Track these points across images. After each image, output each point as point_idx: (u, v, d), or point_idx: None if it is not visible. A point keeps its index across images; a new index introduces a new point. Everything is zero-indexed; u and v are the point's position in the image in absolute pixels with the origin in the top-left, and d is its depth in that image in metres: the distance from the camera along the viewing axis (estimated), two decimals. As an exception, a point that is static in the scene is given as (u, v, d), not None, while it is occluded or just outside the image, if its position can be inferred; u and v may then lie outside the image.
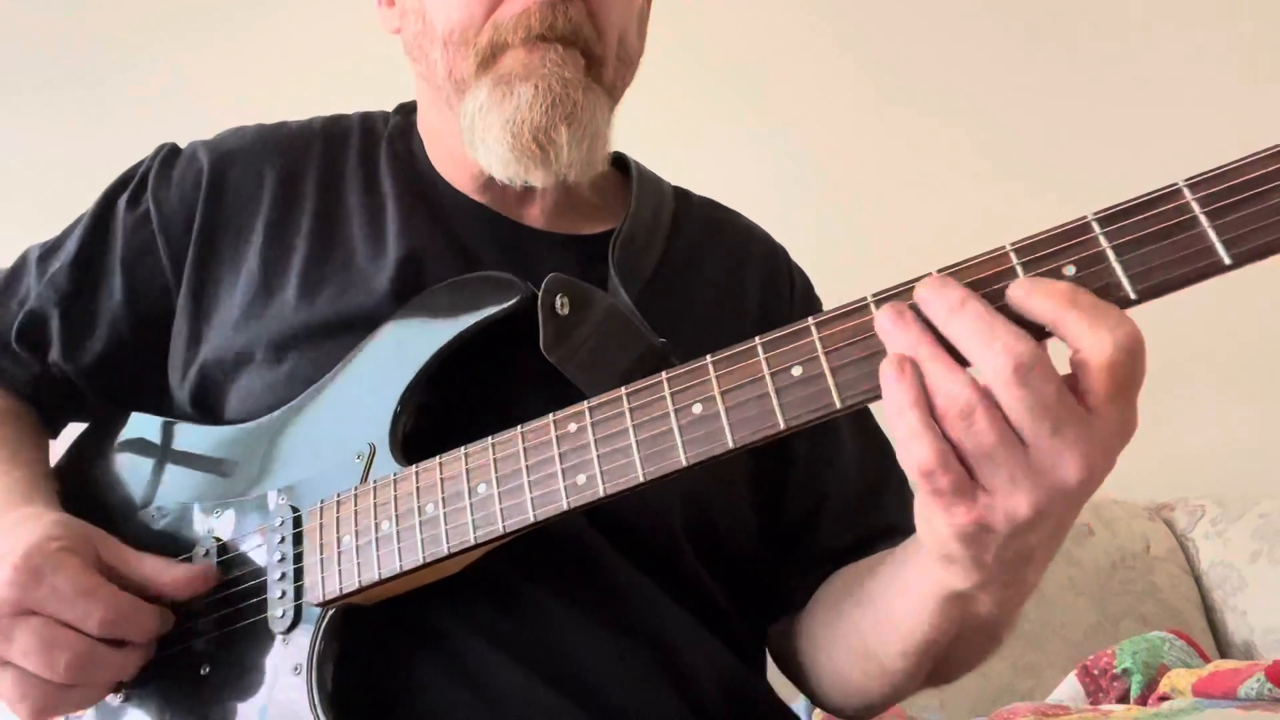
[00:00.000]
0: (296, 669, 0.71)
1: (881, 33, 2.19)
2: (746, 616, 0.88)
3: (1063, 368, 0.52)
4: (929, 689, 0.80)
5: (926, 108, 2.15)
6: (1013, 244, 0.55)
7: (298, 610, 0.73)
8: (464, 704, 0.72)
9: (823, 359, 0.58)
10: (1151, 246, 0.52)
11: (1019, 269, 0.54)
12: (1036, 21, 2.22)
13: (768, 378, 0.60)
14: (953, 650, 0.71)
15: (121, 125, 1.81)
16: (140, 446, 0.87)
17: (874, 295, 0.58)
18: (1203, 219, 0.51)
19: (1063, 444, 0.51)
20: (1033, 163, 2.12)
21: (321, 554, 0.73)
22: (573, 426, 0.66)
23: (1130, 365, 0.50)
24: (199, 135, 0.97)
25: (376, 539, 0.71)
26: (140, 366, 0.91)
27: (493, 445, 0.69)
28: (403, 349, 0.78)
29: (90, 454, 0.91)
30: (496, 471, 0.68)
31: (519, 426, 0.69)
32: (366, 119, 0.99)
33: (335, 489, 0.75)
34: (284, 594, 0.74)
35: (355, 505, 0.73)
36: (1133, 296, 0.52)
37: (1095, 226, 0.53)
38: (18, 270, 0.95)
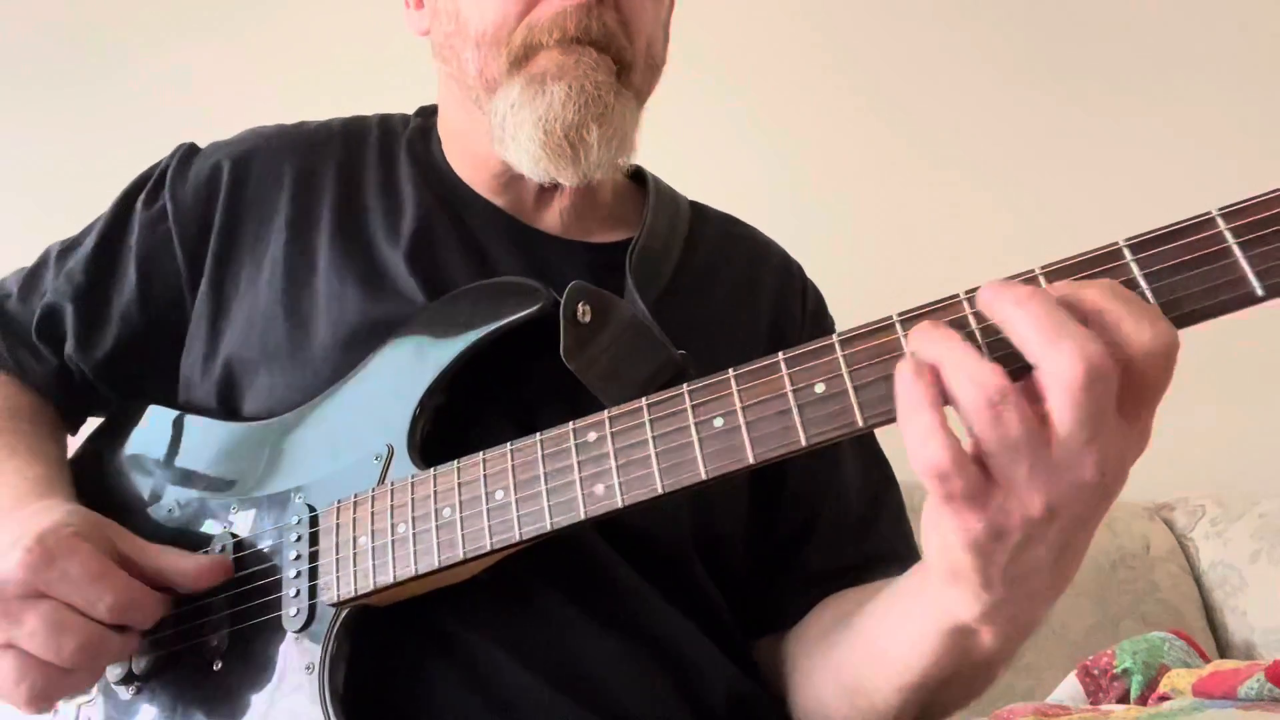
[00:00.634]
0: (309, 668, 0.72)
1: (886, 38, 2.18)
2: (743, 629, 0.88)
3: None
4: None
5: (933, 116, 2.14)
6: (1042, 268, 0.54)
7: (312, 609, 0.73)
8: (474, 707, 0.72)
9: (846, 377, 0.58)
10: (1183, 275, 0.51)
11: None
12: (1046, 27, 2.21)
13: (790, 394, 0.59)
14: (947, 688, 0.68)
15: (136, 124, 1.80)
16: (158, 440, 0.88)
17: (899, 315, 0.57)
18: (1236, 249, 0.50)
19: (1092, 447, 0.49)
20: (1042, 177, 2.11)
21: (337, 554, 0.73)
22: (592, 435, 0.66)
23: (1166, 364, 0.50)
24: (212, 134, 0.98)
25: (393, 541, 0.71)
26: (151, 362, 0.91)
27: (511, 452, 0.69)
28: (423, 352, 0.78)
29: (107, 447, 0.91)
30: (515, 478, 0.68)
31: (538, 434, 0.69)
32: (385, 120, 0.99)
33: (353, 489, 0.75)
34: (298, 592, 0.74)
35: (372, 506, 0.73)
36: (1163, 324, 0.52)
37: (1127, 253, 0.53)
38: (39, 267, 0.96)
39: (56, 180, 1.76)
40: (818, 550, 0.88)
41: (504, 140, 0.84)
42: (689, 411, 0.63)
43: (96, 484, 0.87)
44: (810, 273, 1.04)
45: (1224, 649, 1.67)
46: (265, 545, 0.78)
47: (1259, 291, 0.50)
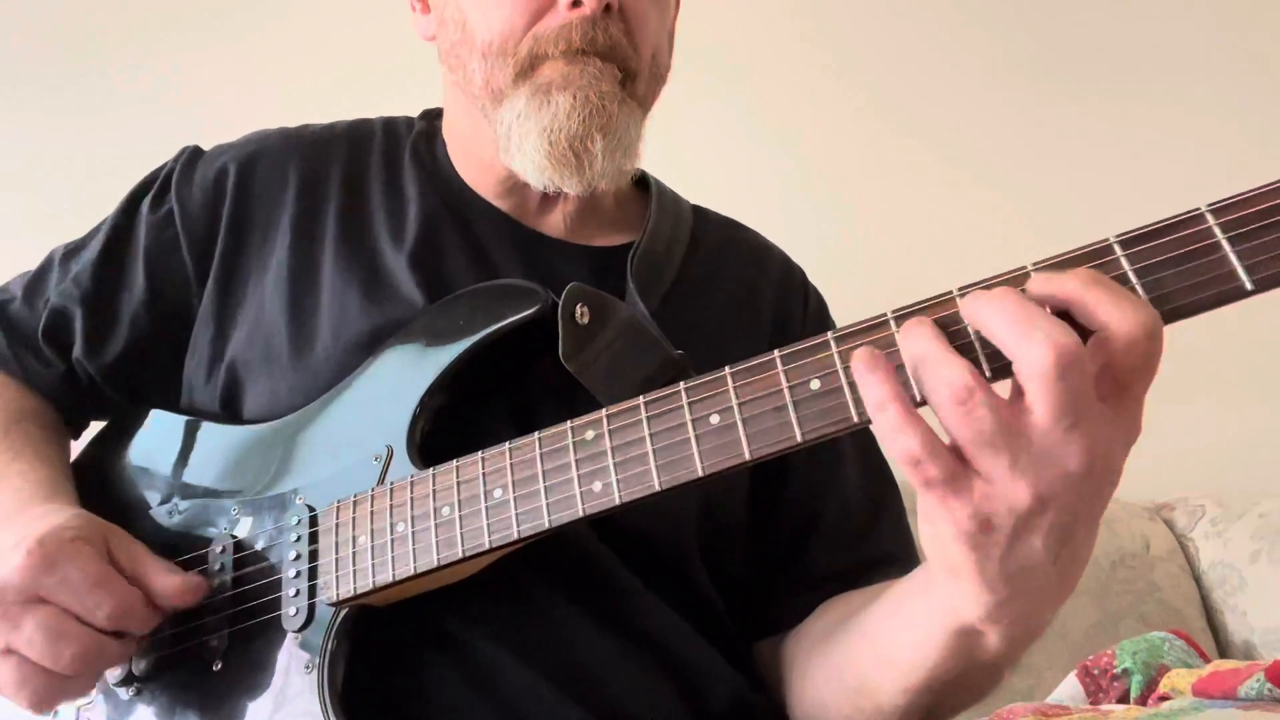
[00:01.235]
0: (309, 667, 0.72)
1: (885, 39, 2.18)
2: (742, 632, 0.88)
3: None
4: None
5: (931, 116, 2.14)
6: (1034, 264, 0.55)
7: (311, 609, 0.73)
8: (473, 706, 0.72)
9: (841, 373, 0.58)
10: (1173, 270, 0.52)
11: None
12: (1045, 27, 2.21)
13: (786, 390, 0.60)
14: (953, 690, 0.68)
15: (139, 126, 1.81)
16: (160, 443, 0.88)
17: (894, 311, 0.58)
18: (1225, 244, 0.51)
19: (1076, 435, 0.50)
20: (1040, 176, 2.12)
21: (337, 554, 0.74)
22: (590, 434, 0.67)
23: (1148, 348, 0.50)
24: (215, 136, 0.98)
25: (392, 540, 0.72)
26: (159, 365, 0.91)
27: (510, 450, 0.70)
28: (423, 354, 0.78)
29: (109, 450, 0.92)
30: (513, 476, 0.69)
31: (536, 433, 0.69)
32: (389, 123, 1.00)
33: (352, 490, 0.75)
34: (298, 592, 0.74)
35: (372, 506, 0.74)
36: (1153, 319, 0.52)
37: (1117, 249, 0.53)
38: (43, 271, 0.96)
39: (59, 182, 1.77)
40: (818, 553, 0.89)
41: (509, 150, 0.85)
42: (686, 409, 0.63)
43: (98, 487, 0.87)
44: (810, 272, 1.05)
45: (1224, 649, 1.67)
46: (265, 546, 0.78)
47: (1248, 285, 0.50)
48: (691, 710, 0.77)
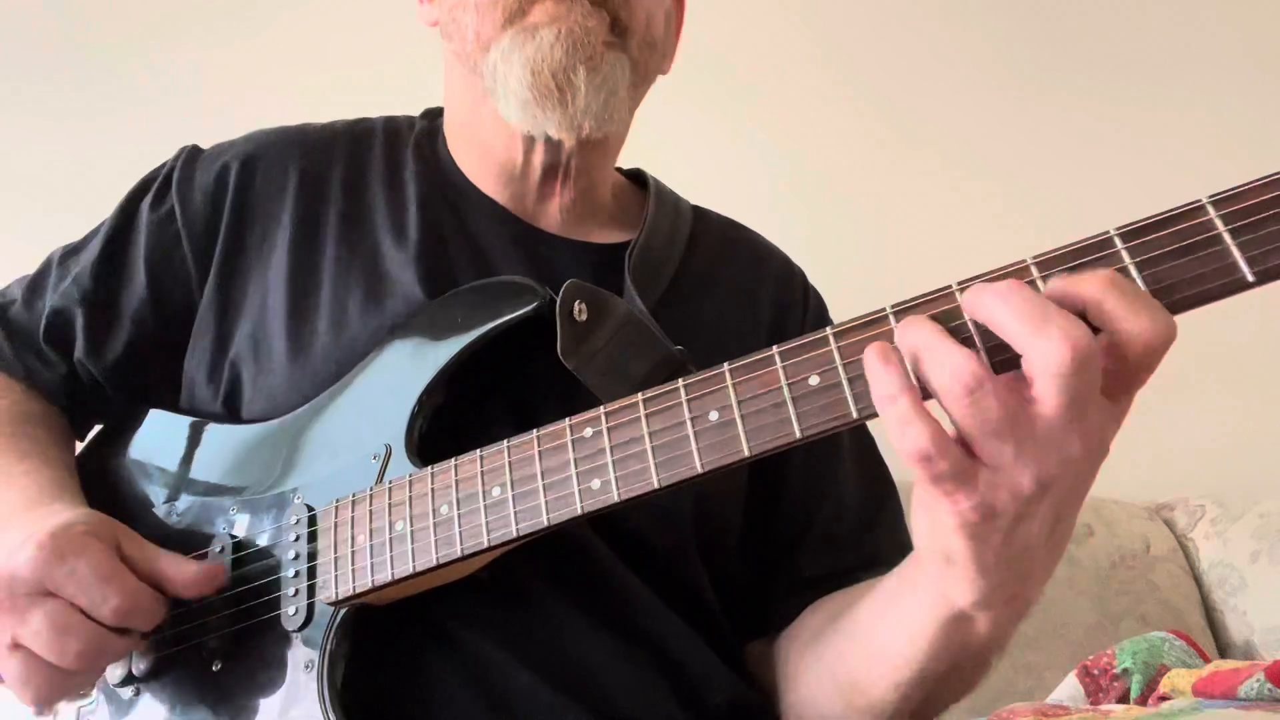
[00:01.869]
0: (308, 666, 0.72)
1: (883, 39, 2.18)
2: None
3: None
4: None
5: (929, 113, 2.15)
6: (1034, 258, 0.54)
7: (310, 609, 0.73)
8: (472, 705, 0.72)
9: (840, 369, 0.58)
10: (1174, 262, 0.51)
11: (1039, 284, 0.54)
12: (1043, 27, 2.21)
13: (784, 387, 0.59)
14: (945, 682, 0.69)
15: (138, 126, 1.81)
16: (159, 443, 0.88)
17: (893, 306, 0.57)
18: (1226, 236, 0.51)
19: (1078, 425, 0.50)
20: (1038, 172, 2.12)
21: (336, 553, 0.73)
22: (588, 431, 0.67)
23: (1159, 354, 0.50)
24: (214, 135, 0.98)
25: (390, 539, 0.71)
26: (160, 364, 0.91)
27: (508, 449, 0.70)
28: (421, 352, 0.78)
29: (110, 451, 0.91)
30: (511, 474, 0.69)
31: (535, 431, 0.69)
32: (390, 122, 0.99)
33: (351, 489, 0.75)
34: (297, 592, 0.74)
35: (370, 505, 0.73)
36: (1154, 312, 0.52)
37: (1118, 241, 0.53)
38: (42, 273, 0.96)
39: (59, 182, 1.77)
40: (812, 555, 0.88)
41: (495, 91, 0.84)
42: (684, 406, 0.63)
43: (100, 487, 0.87)
44: (809, 270, 1.04)
45: (1224, 649, 1.67)
46: (264, 545, 0.78)
47: (1249, 277, 0.50)
48: (689, 710, 0.77)
